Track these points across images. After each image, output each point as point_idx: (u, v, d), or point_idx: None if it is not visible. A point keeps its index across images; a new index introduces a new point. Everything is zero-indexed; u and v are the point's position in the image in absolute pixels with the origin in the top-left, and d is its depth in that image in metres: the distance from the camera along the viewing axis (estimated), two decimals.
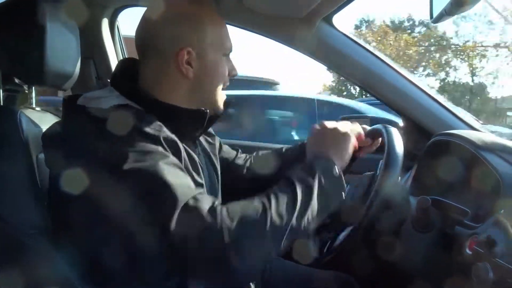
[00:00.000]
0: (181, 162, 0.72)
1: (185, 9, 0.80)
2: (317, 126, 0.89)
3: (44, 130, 0.79)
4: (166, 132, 0.71)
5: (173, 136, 0.72)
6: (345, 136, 0.86)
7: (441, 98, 1.31)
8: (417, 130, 1.31)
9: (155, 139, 0.68)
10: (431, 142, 1.14)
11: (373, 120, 1.49)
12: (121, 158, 0.64)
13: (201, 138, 0.93)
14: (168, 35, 0.78)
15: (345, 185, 0.80)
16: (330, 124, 0.88)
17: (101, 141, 0.66)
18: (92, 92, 0.78)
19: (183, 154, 0.73)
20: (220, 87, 0.85)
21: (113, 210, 0.64)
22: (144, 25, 0.81)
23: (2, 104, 0.92)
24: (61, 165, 0.68)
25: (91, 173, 0.65)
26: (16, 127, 0.78)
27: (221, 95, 0.86)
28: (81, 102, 0.74)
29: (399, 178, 0.92)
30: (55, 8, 0.90)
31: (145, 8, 0.84)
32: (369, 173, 1.01)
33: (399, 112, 1.34)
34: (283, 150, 1.13)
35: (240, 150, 1.15)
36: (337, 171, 0.79)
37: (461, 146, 0.99)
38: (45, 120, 0.94)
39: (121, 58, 1.65)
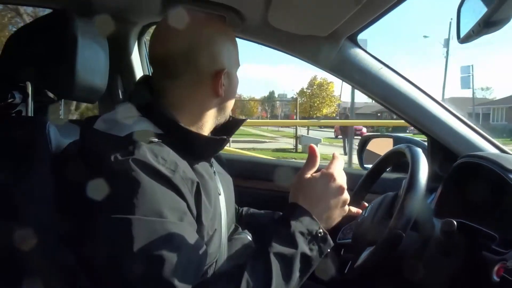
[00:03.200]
0: (192, 196, 0.70)
1: (217, 28, 0.81)
2: (307, 174, 0.77)
3: (70, 141, 0.81)
4: (181, 169, 0.69)
5: (189, 172, 0.71)
6: (339, 191, 0.76)
7: (468, 119, 1.29)
8: (442, 151, 1.28)
9: (168, 181, 0.65)
10: (457, 164, 1.12)
11: (396, 140, 1.47)
12: (129, 204, 0.62)
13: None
14: (206, 54, 0.78)
15: (331, 244, 0.74)
16: (323, 173, 0.77)
17: (112, 178, 0.64)
18: (110, 113, 0.77)
19: (196, 187, 0.72)
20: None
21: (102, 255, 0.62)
22: (175, 41, 0.78)
23: (32, 115, 0.95)
24: (72, 186, 0.68)
25: (94, 204, 0.63)
26: (44, 138, 0.81)
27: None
28: (98, 126, 0.73)
29: (423, 198, 0.89)
30: (86, 23, 0.93)
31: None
32: (391, 193, 0.99)
33: (424, 133, 1.31)
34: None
35: None
36: (322, 233, 0.72)
37: (489, 168, 0.96)
38: (73, 132, 0.96)
39: (148, 73, 1.68)
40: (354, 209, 1.02)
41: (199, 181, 0.73)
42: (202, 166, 0.80)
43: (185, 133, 0.75)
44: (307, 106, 34.87)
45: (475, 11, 0.73)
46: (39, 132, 0.81)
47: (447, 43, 25.26)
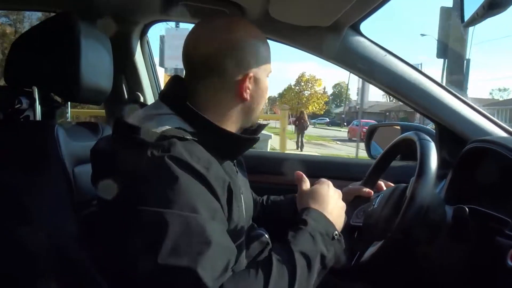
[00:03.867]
0: (224, 195, 0.72)
1: (246, 33, 0.82)
2: (306, 187, 0.88)
3: (79, 143, 0.81)
4: (214, 167, 0.71)
5: (221, 171, 0.73)
6: (339, 194, 0.88)
7: (476, 103, 1.27)
8: (451, 137, 1.27)
9: (203, 178, 0.67)
10: (466, 149, 1.11)
11: (404, 128, 1.46)
12: (165, 199, 0.63)
13: None
14: (234, 58, 0.79)
15: (343, 245, 0.79)
16: (321, 182, 0.90)
17: (149, 173, 0.65)
18: (142, 110, 0.79)
19: (227, 186, 0.73)
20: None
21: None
22: (205, 44, 0.80)
23: (40, 119, 0.96)
24: (103, 183, 0.69)
25: (130, 198, 0.65)
26: (53, 141, 0.82)
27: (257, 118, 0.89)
28: (132, 121, 0.73)
29: (433, 187, 0.89)
30: (89, 25, 0.94)
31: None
32: (402, 185, 0.98)
33: (431, 119, 1.30)
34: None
35: None
36: (338, 235, 0.78)
37: (499, 152, 0.95)
38: (81, 134, 0.97)
39: (151, 72, 1.69)
40: (365, 190, 1.07)
41: (228, 178, 0.75)
42: (227, 165, 0.81)
43: (217, 131, 0.77)
44: (294, 103, 34.45)
45: None
46: (48, 135, 0.82)
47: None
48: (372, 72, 1.29)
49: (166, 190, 0.64)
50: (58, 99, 1.02)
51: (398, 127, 1.54)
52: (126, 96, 1.61)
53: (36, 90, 0.94)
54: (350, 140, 18.77)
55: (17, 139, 0.84)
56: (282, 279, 0.66)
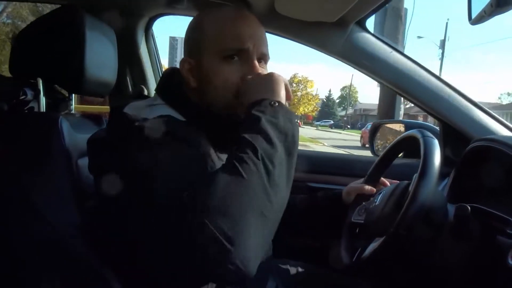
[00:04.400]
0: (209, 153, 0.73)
1: (195, 19, 0.84)
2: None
3: (83, 135, 0.82)
4: (203, 141, 0.73)
5: (209, 148, 0.74)
6: (278, 80, 0.75)
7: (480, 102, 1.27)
8: (455, 135, 1.26)
9: (194, 146, 0.70)
10: (470, 148, 1.10)
11: (408, 125, 1.46)
12: (154, 162, 0.65)
13: None
14: (186, 47, 0.83)
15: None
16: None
17: (140, 149, 0.67)
18: (138, 101, 0.80)
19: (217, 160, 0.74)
20: (229, 92, 0.78)
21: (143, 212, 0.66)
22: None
23: (44, 110, 0.96)
24: (101, 169, 0.72)
25: (126, 176, 0.67)
26: (57, 133, 0.82)
27: (235, 102, 0.78)
28: (127, 111, 0.74)
29: (436, 185, 0.89)
30: (94, 18, 0.94)
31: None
32: (405, 182, 0.98)
33: (436, 117, 1.30)
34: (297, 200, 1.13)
35: None
36: (273, 102, 0.71)
37: (503, 151, 0.95)
38: (85, 126, 0.97)
39: (156, 65, 1.69)
40: (367, 187, 1.06)
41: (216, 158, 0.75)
42: (224, 156, 0.80)
43: (207, 113, 0.78)
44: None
45: None
46: (52, 127, 0.83)
47: (442, 44, 24.74)
48: (377, 69, 1.29)
49: (152, 144, 0.66)
50: (63, 91, 1.03)
51: (402, 125, 1.54)
52: (130, 89, 1.61)
53: (40, 81, 0.94)
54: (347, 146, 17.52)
55: (20, 130, 0.84)
56: (251, 167, 0.62)
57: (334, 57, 1.34)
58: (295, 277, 1.08)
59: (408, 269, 1.05)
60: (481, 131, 1.20)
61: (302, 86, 33.44)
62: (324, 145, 17.15)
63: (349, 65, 1.33)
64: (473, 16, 0.80)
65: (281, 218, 0.67)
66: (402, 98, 4.96)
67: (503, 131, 1.21)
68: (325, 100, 63.29)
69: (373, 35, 1.28)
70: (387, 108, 5.27)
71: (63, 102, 1.03)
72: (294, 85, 35.16)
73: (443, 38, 24.93)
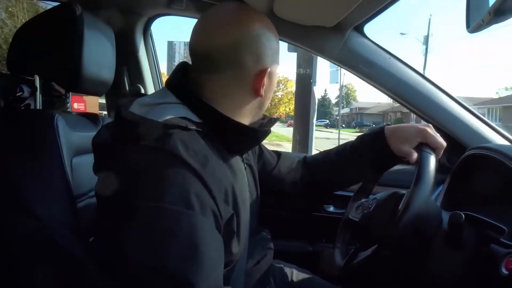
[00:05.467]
0: (221, 194, 0.67)
1: (263, 24, 0.77)
2: None
3: (79, 134, 0.81)
4: (211, 165, 0.66)
5: (219, 170, 0.68)
6: None
7: (476, 110, 1.28)
8: (450, 143, 1.27)
9: (196, 173, 0.63)
10: (465, 156, 1.11)
11: None
12: (156, 192, 0.60)
13: None
14: (253, 52, 0.74)
15: None
16: None
17: (142, 166, 0.63)
18: (147, 96, 0.75)
19: (226, 186, 0.69)
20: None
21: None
22: (221, 35, 0.74)
23: (41, 108, 0.96)
24: (102, 173, 0.68)
25: (123, 190, 0.62)
26: (53, 131, 0.81)
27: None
28: (135, 109, 0.70)
29: (430, 195, 0.89)
30: (93, 16, 0.93)
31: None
32: (400, 192, 0.98)
33: (432, 124, 1.30)
34: (332, 152, 1.08)
35: (281, 154, 1.12)
36: None
37: (498, 160, 0.95)
38: (81, 125, 0.97)
39: (153, 65, 1.69)
40: None
41: (232, 179, 0.71)
42: (235, 161, 0.78)
43: (226, 122, 0.73)
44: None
45: None
46: (48, 125, 0.82)
47: (426, 40, 24.85)
48: (375, 75, 1.29)
49: (157, 184, 0.61)
50: (60, 88, 1.02)
51: None
52: (127, 88, 1.61)
53: (37, 78, 0.93)
54: None
55: (16, 127, 0.83)
56: None
57: (332, 62, 1.34)
58: (290, 281, 1.08)
59: (401, 278, 1.05)
60: (477, 139, 1.21)
61: (283, 86, 33.51)
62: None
63: (347, 70, 1.34)
64: (471, 24, 0.81)
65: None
66: (316, 100, 5.10)
67: (498, 140, 1.21)
68: (320, 99, 63.59)
69: (371, 41, 1.29)
70: (301, 110, 5.34)
71: (60, 100, 1.02)
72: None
73: (426, 33, 25.11)
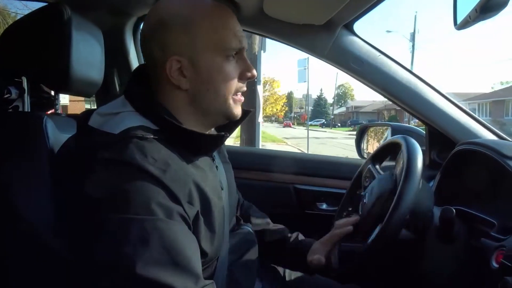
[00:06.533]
0: (185, 195, 0.66)
1: (176, 10, 0.73)
2: None
3: (68, 136, 0.80)
4: (173, 168, 0.66)
5: (182, 172, 0.67)
6: None
7: (467, 106, 1.29)
8: (441, 139, 1.28)
9: (157, 180, 0.63)
10: (455, 151, 1.12)
11: (394, 129, 1.47)
12: (115, 204, 0.60)
13: None
14: (158, 41, 0.71)
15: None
16: None
17: (101, 178, 0.62)
18: (106, 106, 0.74)
19: (190, 186, 0.68)
20: (229, 92, 0.75)
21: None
22: (142, 29, 0.76)
23: (29, 110, 0.95)
24: (66, 184, 0.67)
25: (84, 203, 0.62)
26: (41, 133, 0.80)
27: (233, 101, 0.77)
28: (93, 121, 0.70)
29: (423, 187, 0.90)
30: (80, 16, 0.92)
31: None
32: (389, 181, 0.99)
33: (422, 121, 1.31)
34: (268, 233, 1.09)
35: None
36: None
37: (487, 155, 0.96)
38: (70, 126, 0.96)
39: None
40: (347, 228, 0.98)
41: (198, 178, 0.70)
42: (203, 160, 0.77)
43: (176, 129, 0.71)
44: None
45: None
46: (36, 127, 0.81)
47: (412, 37, 24.99)
48: (365, 72, 1.30)
49: (119, 196, 0.60)
50: (48, 90, 1.01)
51: (389, 127, 1.55)
52: (117, 89, 1.60)
53: (25, 80, 0.92)
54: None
55: (4, 129, 0.82)
56: None
57: (322, 60, 1.34)
58: (282, 279, 1.08)
59: (395, 272, 1.06)
60: (467, 134, 1.22)
61: (269, 86, 33.59)
62: (287, 144, 17.78)
63: (337, 67, 1.34)
64: (459, 21, 0.82)
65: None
66: (261, 99, 5.18)
67: (487, 135, 1.23)
68: (316, 99, 63.65)
69: (361, 38, 1.29)
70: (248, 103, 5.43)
71: (49, 102, 1.01)
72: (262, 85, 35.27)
73: (412, 30, 25.16)
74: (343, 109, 57.34)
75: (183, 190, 0.66)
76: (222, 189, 0.83)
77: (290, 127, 43.78)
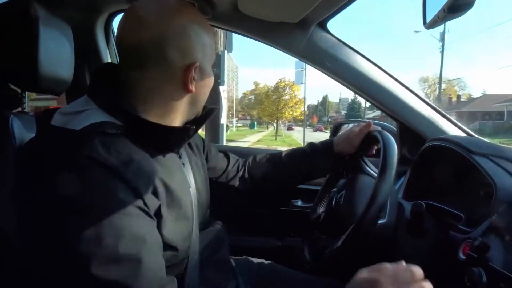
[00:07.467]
0: (148, 190, 0.67)
1: (191, 18, 0.76)
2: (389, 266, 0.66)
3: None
4: (136, 162, 0.66)
5: (146, 165, 0.68)
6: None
7: (435, 103, 1.33)
8: (411, 135, 1.31)
9: (119, 175, 0.62)
10: (425, 147, 1.15)
11: None
12: (77, 202, 0.60)
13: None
14: (179, 47, 0.73)
15: None
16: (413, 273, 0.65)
17: (61, 174, 0.61)
18: (69, 105, 0.73)
19: (154, 181, 0.69)
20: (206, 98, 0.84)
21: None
22: (146, 28, 0.72)
23: None
24: (30, 184, 0.65)
25: (46, 202, 0.61)
26: (7, 132, 0.78)
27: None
28: (56, 120, 0.70)
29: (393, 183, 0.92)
30: (49, 12, 0.90)
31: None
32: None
33: (393, 117, 1.34)
34: (282, 155, 1.18)
35: (231, 157, 1.17)
36: None
37: (454, 151, 1.00)
38: None
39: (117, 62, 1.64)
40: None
41: (161, 174, 0.71)
42: (169, 157, 0.77)
43: (144, 124, 0.72)
44: (273, 110, 33.83)
45: None
46: (2, 126, 0.78)
47: (442, 37, 24.61)
48: (338, 70, 1.31)
49: (76, 189, 0.60)
50: (15, 87, 0.98)
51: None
52: None
53: None
54: None
55: None
56: None
57: (297, 58, 1.36)
58: (256, 273, 1.09)
59: (370, 264, 1.08)
60: (436, 131, 1.26)
61: (289, 90, 33.55)
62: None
63: (311, 65, 1.36)
64: (427, 20, 0.84)
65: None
66: (225, 101, 5.31)
67: (455, 132, 1.27)
68: (350, 103, 63.75)
69: (334, 36, 1.31)
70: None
71: (15, 100, 0.98)
72: (281, 89, 35.02)
73: (442, 30, 24.58)
74: (377, 113, 57.85)
75: (145, 184, 0.66)
76: (189, 186, 0.83)
77: (322, 131, 43.70)
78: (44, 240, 0.61)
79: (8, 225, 0.71)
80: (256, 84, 46.38)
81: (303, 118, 32.91)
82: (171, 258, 0.72)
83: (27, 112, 1.00)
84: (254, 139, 26.70)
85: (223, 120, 5.59)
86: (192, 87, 0.76)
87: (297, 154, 1.17)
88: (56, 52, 0.91)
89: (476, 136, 1.22)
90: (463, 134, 1.26)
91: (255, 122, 56.30)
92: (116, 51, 1.64)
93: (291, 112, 33.25)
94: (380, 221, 0.90)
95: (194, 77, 0.76)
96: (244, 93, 59.85)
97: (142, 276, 0.60)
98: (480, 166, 0.89)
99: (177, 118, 0.78)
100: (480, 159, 0.91)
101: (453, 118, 1.30)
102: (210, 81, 0.82)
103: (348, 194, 1.01)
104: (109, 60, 1.60)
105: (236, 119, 61.43)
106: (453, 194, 1.01)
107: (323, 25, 1.30)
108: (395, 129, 1.40)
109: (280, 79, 35.28)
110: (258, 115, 43.50)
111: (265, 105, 34.58)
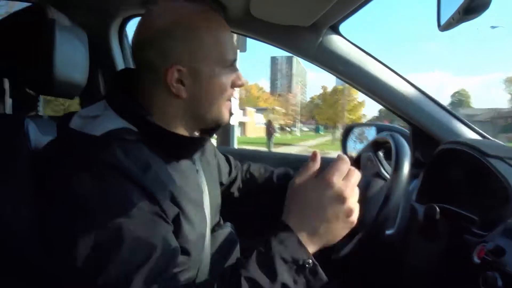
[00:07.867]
0: (166, 197, 0.67)
1: (178, 18, 0.72)
2: (300, 179, 0.66)
3: (51, 138, 0.79)
4: (153, 169, 0.67)
5: (163, 174, 0.69)
6: (338, 199, 0.63)
7: (449, 106, 1.31)
8: (425, 138, 1.30)
9: (137, 182, 0.63)
10: (438, 150, 1.14)
11: (379, 128, 1.49)
12: (97, 207, 0.61)
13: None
14: (158, 49, 0.71)
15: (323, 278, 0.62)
16: (318, 179, 0.64)
17: (79, 177, 0.62)
18: (87, 109, 0.75)
19: (171, 188, 0.69)
20: (222, 100, 0.78)
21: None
22: (138, 33, 0.74)
23: (11, 112, 0.93)
24: (49, 187, 0.67)
25: (65, 205, 0.62)
26: (23, 136, 0.79)
27: (224, 108, 0.79)
28: (74, 123, 0.71)
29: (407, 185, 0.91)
30: (64, 17, 0.91)
31: None
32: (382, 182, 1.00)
33: (406, 120, 1.33)
34: (274, 174, 1.21)
35: (232, 161, 1.19)
36: (311, 265, 0.61)
37: (469, 154, 0.98)
38: (53, 129, 0.94)
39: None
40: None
41: (178, 180, 0.72)
42: (183, 163, 0.78)
43: (157, 131, 0.72)
44: (331, 114, 33.05)
45: None
46: (18, 129, 0.79)
47: None
48: (351, 73, 1.31)
49: (99, 198, 0.61)
50: (30, 91, 0.99)
51: (374, 127, 1.57)
52: (102, 90, 1.58)
53: (7, 81, 0.91)
54: None
55: None
56: None
57: (309, 61, 1.35)
58: None
59: (381, 269, 1.07)
60: (450, 134, 1.24)
61: (347, 92, 33.26)
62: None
63: (323, 69, 1.35)
64: (442, 22, 0.83)
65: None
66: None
67: (470, 134, 1.25)
68: None
69: (346, 39, 1.31)
70: None
71: (31, 103, 1.00)
72: (339, 92, 34.61)
73: None
74: None
75: (163, 190, 0.67)
76: (202, 192, 0.84)
77: None
78: (57, 242, 0.62)
79: (21, 230, 0.72)
80: (324, 88, 44.39)
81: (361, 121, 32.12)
82: (184, 263, 0.72)
83: (41, 115, 1.02)
84: (312, 143, 26.99)
85: (233, 120, 5.60)
86: (181, 92, 0.72)
87: (282, 175, 1.21)
88: (72, 56, 0.93)
89: (491, 138, 1.20)
90: (478, 137, 1.25)
91: (321, 127, 55.31)
92: (129, 56, 1.66)
93: (349, 116, 32.79)
94: (388, 232, 0.89)
95: (183, 81, 0.72)
96: (312, 98, 59.45)
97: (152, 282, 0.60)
98: (495, 169, 0.88)
99: (177, 127, 0.77)
100: (494, 162, 0.90)
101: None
102: (213, 84, 0.75)
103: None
104: (123, 65, 1.62)
105: (301, 124, 61.33)
106: (467, 197, 0.99)
107: (335, 28, 1.30)
108: (408, 132, 1.39)
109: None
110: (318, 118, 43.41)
111: (322, 109, 34.09)
